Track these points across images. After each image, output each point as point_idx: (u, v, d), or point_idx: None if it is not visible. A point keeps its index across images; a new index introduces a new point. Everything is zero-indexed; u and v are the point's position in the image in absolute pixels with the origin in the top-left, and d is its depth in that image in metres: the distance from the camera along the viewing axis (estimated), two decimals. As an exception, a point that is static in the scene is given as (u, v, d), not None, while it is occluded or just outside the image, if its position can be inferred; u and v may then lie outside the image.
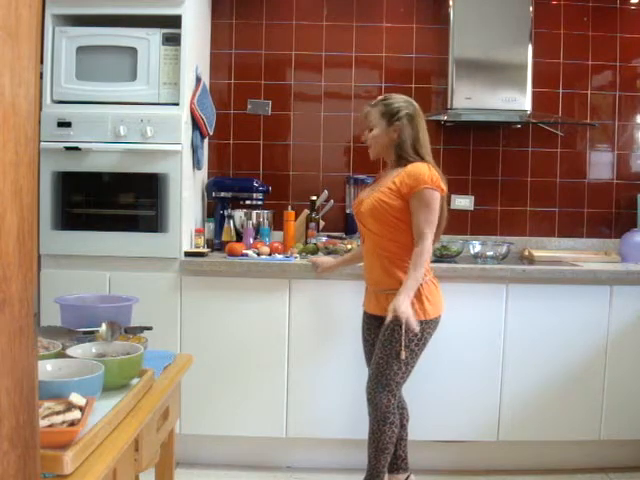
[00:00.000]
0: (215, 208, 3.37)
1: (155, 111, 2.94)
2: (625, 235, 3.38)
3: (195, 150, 3.14)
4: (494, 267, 2.95)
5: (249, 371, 2.96)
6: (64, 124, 2.91)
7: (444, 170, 2.49)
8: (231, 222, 3.27)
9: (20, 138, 0.91)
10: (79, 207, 3.00)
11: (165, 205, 2.94)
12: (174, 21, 2.94)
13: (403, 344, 2.36)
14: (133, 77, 2.97)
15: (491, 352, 2.94)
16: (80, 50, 2.97)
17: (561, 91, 3.58)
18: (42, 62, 2.91)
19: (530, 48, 3.36)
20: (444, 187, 2.42)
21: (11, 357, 0.90)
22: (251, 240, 3.20)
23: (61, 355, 1.56)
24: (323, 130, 3.59)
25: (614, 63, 3.57)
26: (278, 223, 3.37)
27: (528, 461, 3.05)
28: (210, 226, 3.35)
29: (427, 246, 2.35)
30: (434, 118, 3.43)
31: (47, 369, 1.43)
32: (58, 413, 1.19)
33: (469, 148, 3.59)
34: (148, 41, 2.96)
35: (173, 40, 2.96)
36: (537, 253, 3.30)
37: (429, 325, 2.42)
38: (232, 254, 3.01)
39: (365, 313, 2.62)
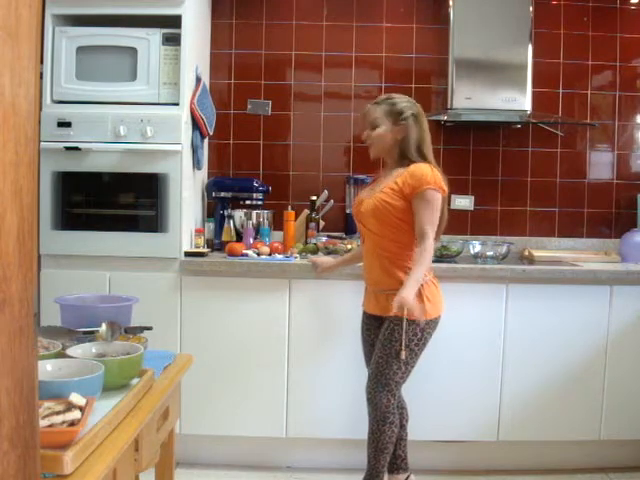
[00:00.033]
0: (215, 208, 3.37)
1: (155, 111, 2.94)
2: (625, 235, 3.38)
3: (195, 150, 3.14)
4: (494, 267, 2.95)
5: (249, 371, 2.96)
6: (64, 124, 2.91)
7: (444, 170, 2.49)
8: (231, 222, 3.27)
9: (20, 138, 0.91)
10: (79, 207, 3.00)
11: (165, 205, 2.94)
12: (174, 21, 2.94)
13: (403, 344, 2.36)
14: (133, 77, 2.97)
15: (491, 352, 2.94)
16: (80, 50, 2.97)
17: (561, 91, 3.58)
18: (42, 62, 2.91)
19: (530, 48, 3.36)
20: (445, 188, 2.42)
21: (11, 357, 0.90)
22: (251, 240, 3.20)
23: (61, 355, 1.56)
24: (323, 130, 3.60)
25: (614, 63, 3.57)
26: (278, 223, 3.37)
27: (528, 461, 3.05)
28: (210, 226, 3.35)
29: (429, 245, 2.34)
30: (434, 118, 3.42)
31: (47, 369, 1.43)
32: (58, 413, 1.19)
33: (469, 148, 3.59)
34: (148, 41, 2.96)
35: (173, 40, 2.96)
36: (537, 253, 3.30)
37: (429, 325, 2.42)
38: (232, 254, 3.01)
39: (364, 313, 2.62)
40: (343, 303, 2.89)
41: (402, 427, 2.61)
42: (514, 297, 2.93)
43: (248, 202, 3.37)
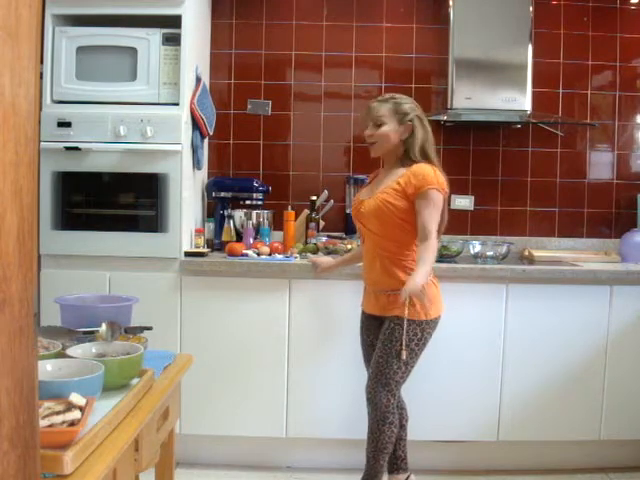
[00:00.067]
0: (215, 208, 3.37)
1: (155, 111, 2.94)
2: (625, 235, 3.38)
3: (195, 150, 3.14)
4: (494, 267, 2.95)
5: (249, 371, 2.96)
6: (64, 124, 2.91)
7: (444, 170, 2.49)
8: (231, 222, 3.27)
9: (20, 138, 0.91)
10: (79, 207, 3.00)
11: (165, 205, 2.94)
12: (174, 21, 2.94)
13: (404, 344, 2.36)
14: (133, 77, 2.97)
15: (491, 352, 2.94)
16: (80, 50, 2.97)
17: (561, 91, 3.58)
18: (42, 62, 2.91)
19: (530, 48, 3.36)
20: (447, 189, 2.42)
21: (11, 357, 0.90)
22: (251, 240, 3.20)
23: (61, 355, 1.56)
24: (323, 130, 3.59)
25: (614, 63, 3.57)
26: (278, 223, 3.37)
27: (528, 461, 3.05)
28: (210, 226, 3.35)
29: (433, 242, 2.33)
30: (434, 118, 3.42)
31: (47, 369, 1.43)
32: (58, 413, 1.19)
33: (469, 148, 3.59)
34: (148, 41, 2.96)
35: (173, 40, 2.96)
36: (537, 253, 3.30)
37: (430, 325, 2.42)
38: (232, 254, 3.01)
39: (363, 313, 2.62)
40: (343, 303, 2.89)
41: (402, 427, 2.61)
42: (514, 297, 2.93)
43: (248, 202, 3.37)
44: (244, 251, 3.03)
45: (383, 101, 2.47)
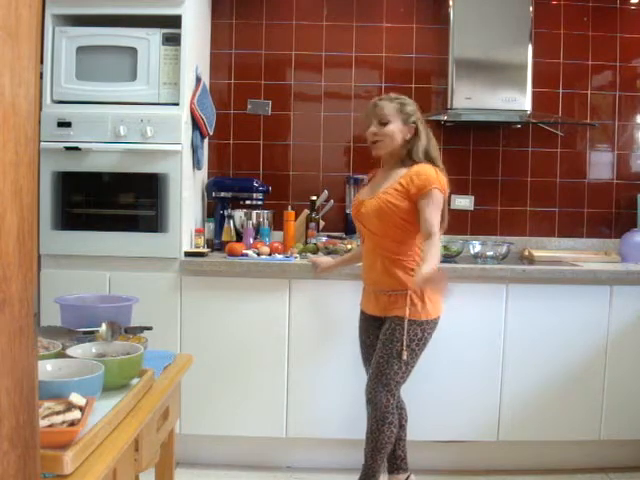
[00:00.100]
0: (215, 208, 3.37)
1: (155, 111, 2.94)
2: (625, 235, 3.38)
3: (195, 150, 3.14)
4: (494, 267, 2.95)
5: (249, 371, 2.96)
6: (64, 124, 2.91)
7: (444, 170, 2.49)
8: (231, 222, 3.27)
9: (20, 138, 0.91)
10: (79, 207, 3.00)
11: (165, 205, 2.94)
12: (174, 21, 2.94)
13: (405, 344, 2.36)
14: (133, 77, 2.97)
15: (491, 352, 2.94)
16: (80, 50, 2.97)
17: (561, 91, 3.58)
18: (42, 62, 2.91)
19: (530, 48, 3.36)
20: (447, 190, 2.42)
21: (11, 357, 0.90)
22: (251, 240, 3.20)
23: (61, 355, 1.56)
24: (323, 130, 3.59)
25: (614, 63, 3.57)
26: (278, 223, 3.37)
27: (528, 461, 3.05)
28: (210, 226, 3.35)
29: (438, 239, 2.31)
30: (434, 118, 3.43)
31: (47, 369, 1.43)
32: (58, 413, 1.19)
33: (469, 148, 3.59)
34: (148, 41, 2.96)
35: (173, 40, 2.96)
36: (537, 253, 3.30)
37: (430, 325, 2.42)
38: (232, 254, 3.01)
39: (363, 313, 2.61)
40: (343, 303, 2.89)
41: (401, 427, 2.61)
42: (514, 297, 2.93)
43: (248, 202, 3.37)
44: (244, 251, 3.03)
45: (388, 100, 2.46)
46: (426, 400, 2.88)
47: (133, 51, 2.97)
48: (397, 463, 2.63)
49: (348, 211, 3.48)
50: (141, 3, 2.93)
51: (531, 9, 3.36)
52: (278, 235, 3.35)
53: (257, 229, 3.30)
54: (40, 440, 1.02)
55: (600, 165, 3.63)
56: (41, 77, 2.89)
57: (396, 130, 2.42)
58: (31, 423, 0.97)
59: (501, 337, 2.94)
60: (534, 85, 3.40)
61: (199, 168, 3.22)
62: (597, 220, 3.62)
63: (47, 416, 1.17)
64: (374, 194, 2.46)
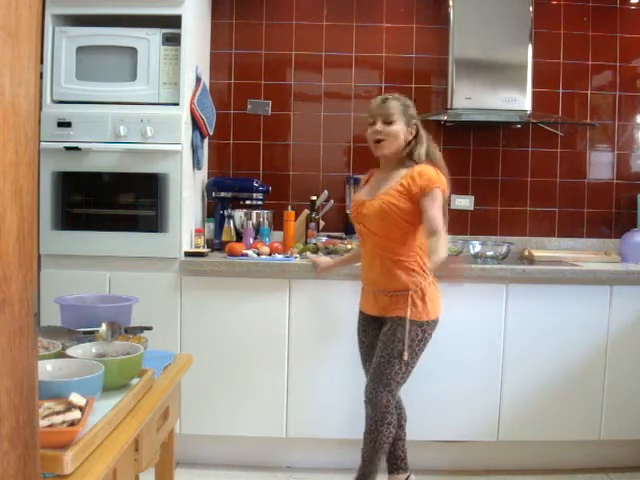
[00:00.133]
0: (215, 208, 3.37)
1: (155, 111, 2.94)
2: (625, 235, 3.38)
3: (195, 150, 3.14)
4: (494, 267, 2.95)
5: (249, 371, 2.96)
6: (64, 124, 2.91)
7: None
8: (231, 222, 3.27)
9: (20, 138, 0.91)
10: (79, 207, 3.00)
11: (165, 205, 2.94)
12: (174, 21, 2.94)
13: (406, 344, 2.36)
14: (133, 77, 2.97)
15: (491, 352, 2.94)
16: (80, 50, 2.97)
17: (561, 91, 3.58)
18: (42, 62, 2.91)
19: (530, 48, 3.36)
20: (448, 191, 2.42)
21: (11, 357, 0.90)
22: (251, 240, 3.21)
23: (61, 355, 1.56)
24: (323, 130, 3.59)
25: (614, 63, 3.57)
26: (278, 223, 3.37)
27: (528, 461, 3.05)
28: (210, 226, 3.35)
29: (445, 236, 2.26)
30: (434, 118, 3.43)
31: (47, 369, 1.43)
32: (58, 413, 1.19)
33: (469, 148, 3.59)
34: (148, 41, 2.96)
35: (173, 40, 2.96)
36: (537, 253, 3.30)
37: (430, 326, 2.42)
38: (232, 254, 3.01)
39: (361, 314, 2.61)
40: (343, 303, 2.89)
41: (400, 427, 2.61)
42: (514, 297, 2.93)
43: (248, 202, 3.37)
44: (244, 251, 3.03)
45: (395, 99, 2.44)
46: (426, 400, 2.88)
47: (133, 51, 2.97)
48: (397, 463, 2.63)
49: (348, 211, 3.48)
50: (141, 3, 2.93)
51: (531, 9, 3.36)
52: (278, 235, 3.35)
53: (257, 229, 3.30)
54: (40, 440, 1.02)
55: (600, 165, 3.63)
56: (41, 77, 2.89)
57: (400, 131, 2.42)
58: (31, 423, 0.97)
59: (501, 337, 2.94)
60: (534, 85, 3.40)
61: (199, 168, 3.22)
62: (597, 220, 3.62)
63: (47, 416, 1.17)
64: (374, 195, 2.45)
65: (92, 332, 1.71)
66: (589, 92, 3.59)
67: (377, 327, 2.50)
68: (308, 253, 3.06)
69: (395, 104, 2.42)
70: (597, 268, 2.99)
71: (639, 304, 2.95)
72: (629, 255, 3.27)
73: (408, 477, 2.64)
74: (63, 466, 1.11)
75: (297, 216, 3.34)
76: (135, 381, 1.57)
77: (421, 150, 2.42)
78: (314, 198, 3.33)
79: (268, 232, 3.31)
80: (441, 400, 2.94)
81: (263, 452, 3.06)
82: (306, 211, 3.35)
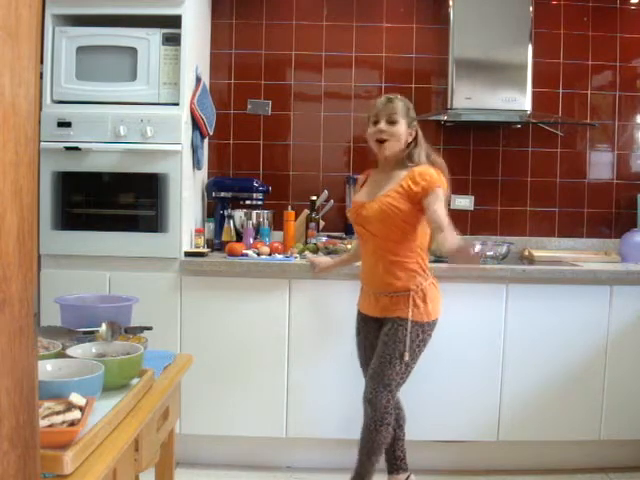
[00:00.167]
0: (215, 208, 3.37)
1: (155, 111, 2.94)
2: (625, 235, 3.38)
3: (195, 150, 3.14)
4: (494, 267, 2.95)
5: (249, 371, 2.96)
6: (64, 124, 2.91)
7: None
8: (231, 222, 3.27)
9: (20, 138, 0.91)
10: (79, 207, 3.00)
11: (165, 205, 2.94)
12: (174, 21, 2.94)
13: (407, 345, 2.35)
14: (133, 77, 2.97)
15: (491, 352, 2.94)
16: (80, 50, 2.97)
17: (561, 91, 3.58)
18: (42, 62, 2.91)
19: (530, 48, 3.36)
20: (447, 191, 2.42)
21: (11, 357, 0.90)
22: (251, 240, 3.21)
23: (61, 355, 1.56)
24: (323, 130, 3.59)
25: (614, 63, 3.57)
26: (278, 223, 3.37)
27: (528, 461, 3.05)
28: (210, 226, 3.35)
29: (451, 228, 2.19)
30: (434, 118, 3.43)
31: (47, 369, 1.43)
32: (58, 413, 1.19)
33: (469, 148, 3.59)
34: (148, 41, 2.96)
35: (173, 40, 2.96)
36: (537, 253, 3.30)
37: (430, 326, 2.42)
38: (232, 254, 3.01)
39: (361, 314, 2.60)
40: (343, 303, 2.88)
41: (400, 427, 2.61)
42: (514, 297, 2.93)
43: (248, 202, 3.37)
44: (244, 251, 3.03)
45: (399, 100, 2.44)
46: (426, 400, 2.88)
47: (133, 51, 2.97)
48: (397, 463, 2.63)
49: (348, 214, 3.48)
50: (141, 3, 2.93)
51: (531, 9, 3.36)
52: (278, 235, 3.35)
53: (257, 229, 3.30)
54: (40, 440, 1.02)
55: (600, 165, 3.63)
56: (41, 77, 2.89)
57: (403, 132, 2.42)
58: (31, 423, 0.97)
59: (501, 337, 2.94)
60: (534, 85, 3.40)
61: (199, 168, 3.22)
62: (597, 220, 3.62)
63: (47, 416, 1.17)
64: (374, 197, 2.44)
65: (92, 332, 1.71)
66: (589, 92, 3.59)
67: (377, 328, 2.49)
68: (308, 253, 3.07)
69: (400, 104, 2.42)
70: (597, 268, 2.99)
71: (639, 304, 2.95)
72: (629, 255, 3.27)
73: (408, 477, 2.64)
74: (63, 466, 1.11)
75: (297, 216, 3.34)
76: (135, 381, 1.57)
77: (421, 152, 2.43)
78: (314, 198, 3.33)
79: (268, 232, 3.31)
80: (441, 400, 2.94)
81: (263, 452, 3.06)
82: (306, 211, 3.36)
